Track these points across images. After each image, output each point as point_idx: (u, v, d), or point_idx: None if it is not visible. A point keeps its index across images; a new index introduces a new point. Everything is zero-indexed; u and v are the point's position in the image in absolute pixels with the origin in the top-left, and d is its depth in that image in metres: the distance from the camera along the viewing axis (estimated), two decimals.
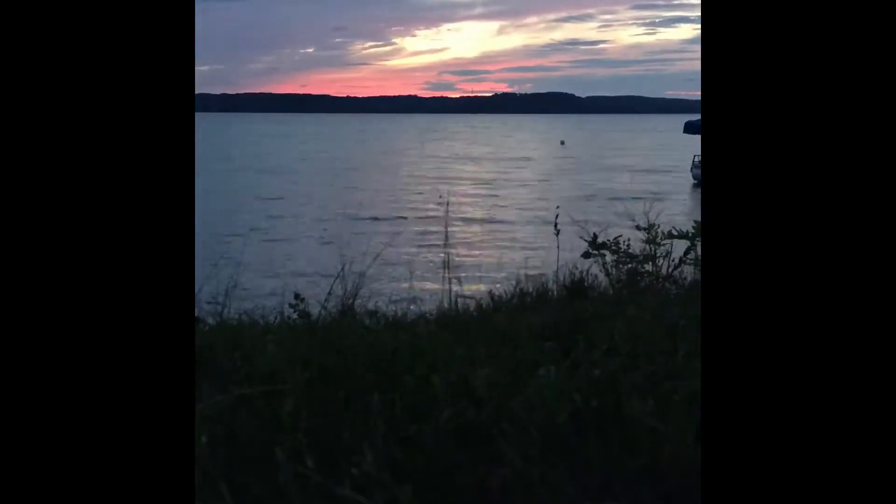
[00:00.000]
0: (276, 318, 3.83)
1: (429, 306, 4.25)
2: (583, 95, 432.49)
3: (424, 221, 21.31)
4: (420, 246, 16.58)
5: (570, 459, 1.90)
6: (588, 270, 4.87)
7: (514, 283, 4.73)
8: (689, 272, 4.86)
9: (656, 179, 36.09)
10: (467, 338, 2.72)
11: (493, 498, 1.81)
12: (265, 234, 19.98)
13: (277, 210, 25.03)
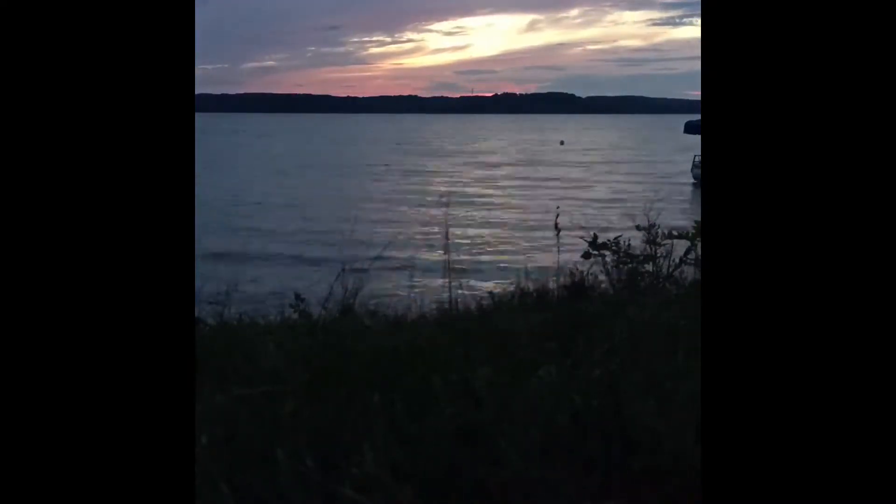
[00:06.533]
0: (276, 318, 3.83)
1: (429, 306, 4.25)
2: (583, 95, 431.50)
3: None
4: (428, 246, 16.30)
5: (570, 459, 1.90)
6: (588, 271, 4.87)
7: (515, 282, 4.73)
8: (689, 272, 4.86)
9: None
10: (467, 338, 2.73)
11: (494, 498, 1.81)
12: None
13: None
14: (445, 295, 4.22)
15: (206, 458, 1.76)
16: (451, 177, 39.55)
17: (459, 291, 4.20)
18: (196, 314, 3.13)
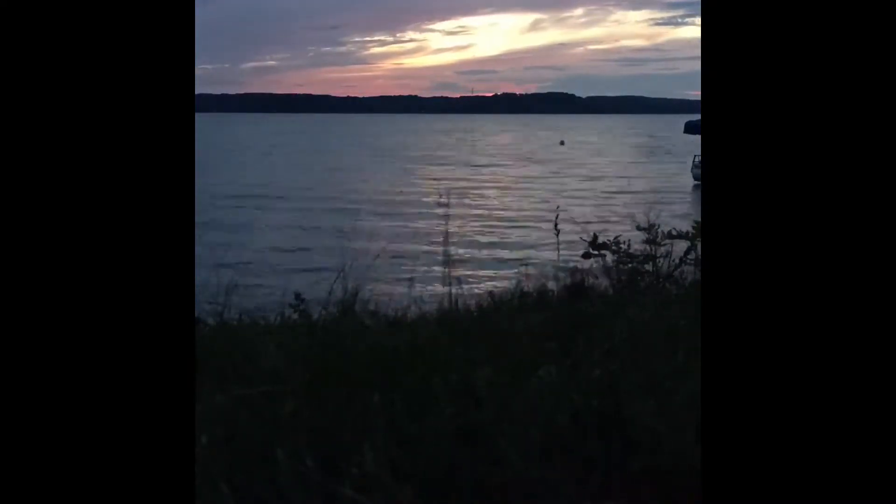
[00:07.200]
0: (276, 318, 3.83)
1: (429, 306, 4.25)
2: (583, 95, 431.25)
3: None
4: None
5: (570, 459, 1.90)
6: (588, 271, 4.86)
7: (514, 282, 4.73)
8: (689, 272, 4.86)
9: None
10: (467, 338, 2.72)
11: (494, 498, 1.81)
12: None
13: None
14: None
15: (206, 458, 1.76)
16: None
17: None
18: (196, 314, 3.13)
